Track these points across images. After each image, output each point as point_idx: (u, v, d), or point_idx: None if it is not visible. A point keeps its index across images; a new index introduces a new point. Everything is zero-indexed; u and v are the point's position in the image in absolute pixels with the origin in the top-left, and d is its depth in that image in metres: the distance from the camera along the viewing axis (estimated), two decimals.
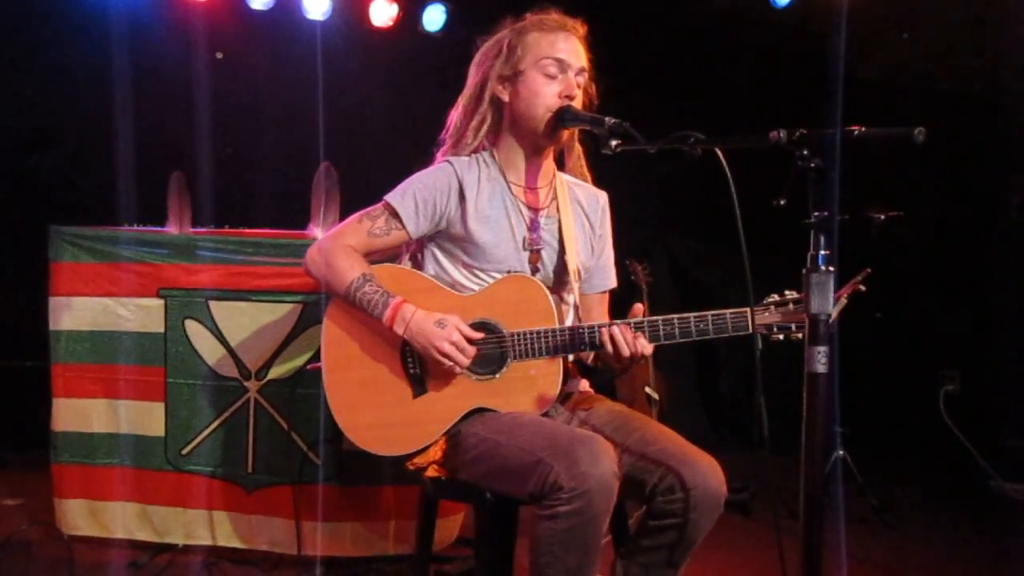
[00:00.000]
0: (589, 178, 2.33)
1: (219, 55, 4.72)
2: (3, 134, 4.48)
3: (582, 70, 2.13)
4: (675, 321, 2.01)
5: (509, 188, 2.18)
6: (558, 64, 2.10)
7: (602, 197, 2.34)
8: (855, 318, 3.02)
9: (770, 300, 1.97)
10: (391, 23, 4.80)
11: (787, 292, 1.96)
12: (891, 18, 4.54)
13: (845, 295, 1.61)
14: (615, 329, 2.00)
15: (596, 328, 2.03)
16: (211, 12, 4.59)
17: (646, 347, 2.01)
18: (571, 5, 2.22)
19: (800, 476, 1.62)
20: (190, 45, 4.53)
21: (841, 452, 3.85)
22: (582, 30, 2.16)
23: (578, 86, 2.13)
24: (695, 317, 2.00)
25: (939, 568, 3.36)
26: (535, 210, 2.19)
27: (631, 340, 1.99)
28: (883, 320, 4.70)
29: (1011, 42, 4.16)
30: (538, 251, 2.17)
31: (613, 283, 2.35)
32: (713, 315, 1.97)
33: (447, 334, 2.02)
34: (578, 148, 2.29)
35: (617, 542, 2.15)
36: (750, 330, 1.95)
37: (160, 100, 4.51)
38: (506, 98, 2.16)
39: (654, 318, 2.00)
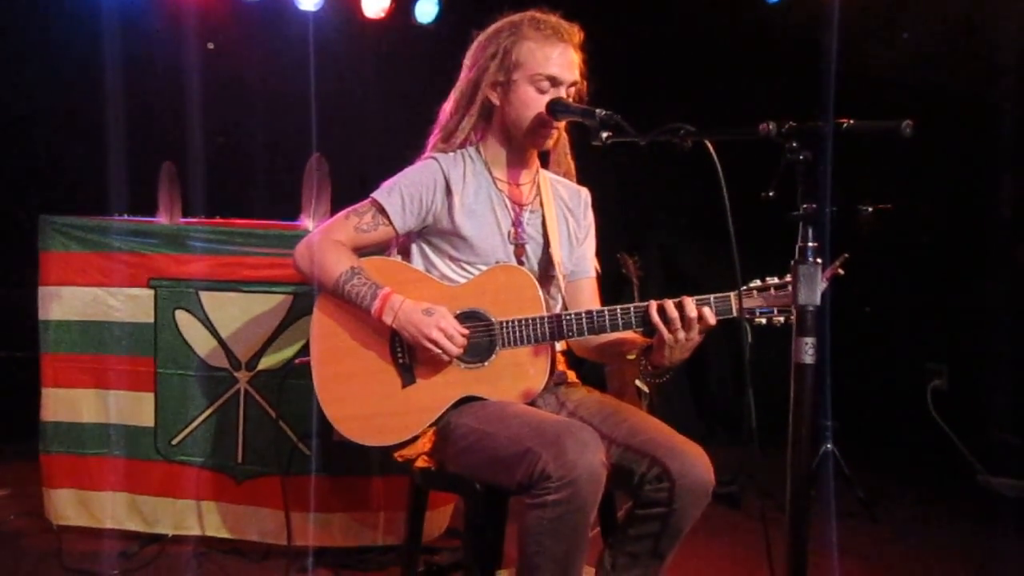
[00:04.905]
0: (573, 168, 2.35)
1: (211, 46, 4.70)
2: None
3: (574, 83, 2.15)
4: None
5: (494, 183, 2.21)
6: (551, 80, 2.12)
7: (584, 193, 2.37)
8: (844, 312, 3.05)
9: (752, 285, 1.98)
10: (383, 14, 4.78)
11: (768, 278, 1.97)
12: (882, 14, 4.55)
13: (825, 279, 1.63)
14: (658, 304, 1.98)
15: (581, 314, 2.04)
16: (203, 2, 4.57)
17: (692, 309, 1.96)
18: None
19: (787, 468, 1.63)
20: (182, 35, 4.52)
21: (830, 446, 3.87)
22: (578, 38, 2.17)
23: (568, 96, 2.15)
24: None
25: (925, 561, 3.38)
26: (519, 205, 2.22)
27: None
28: (872, 314, 4.72)
29: (1002, 39, 4.17)
30: (523, 245, 2.19)
31: (590, 272, 2.36)
32: (697, 299, 1.98)
33: (435, 321, 2.03)
34: (564, 139, 2.31)
35: (605, 533, 2.16)
36: (733, 313, 1.96)
37: (151, 90, 4.50)
38: (497, 102, 2.18)
39: (639, 304, 2.01)
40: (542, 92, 2.12)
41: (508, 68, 2.14)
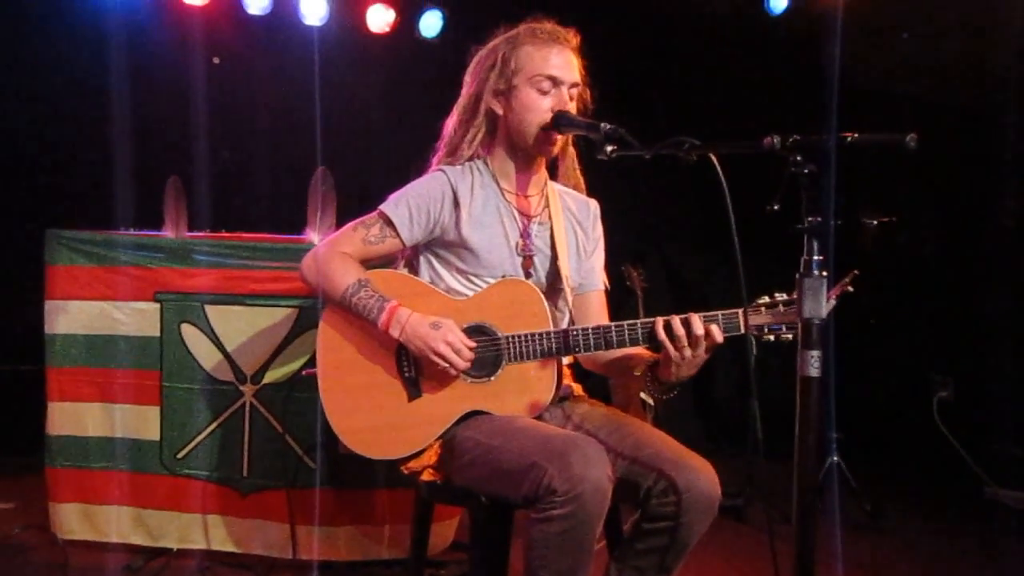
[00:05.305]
0: (582, 181, 2.35)
1: (216, 60, 4.72)
2: (0, 137, 4.48)
3: (575, 84, 2.16)
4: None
5: (502, 194, 2.21)
6: (551, 80, 2.13)
7: (592, 204, 2.37)
8: (849, 324, 3.05)
9: (761, 301, 1.98)
10: (388, 29, 4.80)
11: (776, 294, 1.97)
12: (885, 27, 4.56)
13: (834, 296, 1.62)
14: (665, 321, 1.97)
15: (588, 330, 2.04)
16: (209, 17, 4.59)
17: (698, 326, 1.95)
18: (566, 12, 2.23)
19: (793, 481, 1.63)
20: (187, 50, 4.54)
21: (836, 458, 3.86)
22: (575, 41, 2.18)
23: (571, 98, 2.16)
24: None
25: (932, 573, 3.36)
26: (527, 217, 2.22)
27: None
28: (876, 326, 4.71)
29: (1003, 51, 4.18)
30: (531, 257, 2.19)
31: (599, 285, 2.35)
32: (705, 316, 1.98)
33: (442, 335, 2.03)
34: (572, 152, 2.31)
35: (611, 547, 2.16)
36: (742, 330, 1.95)
37: (157, 104, 4.52)
38: (500, 111, 2.18)
39: (647, 320, 2.01)
40: (544, 93, 2.13)
41: (508, 75, 2.15)
